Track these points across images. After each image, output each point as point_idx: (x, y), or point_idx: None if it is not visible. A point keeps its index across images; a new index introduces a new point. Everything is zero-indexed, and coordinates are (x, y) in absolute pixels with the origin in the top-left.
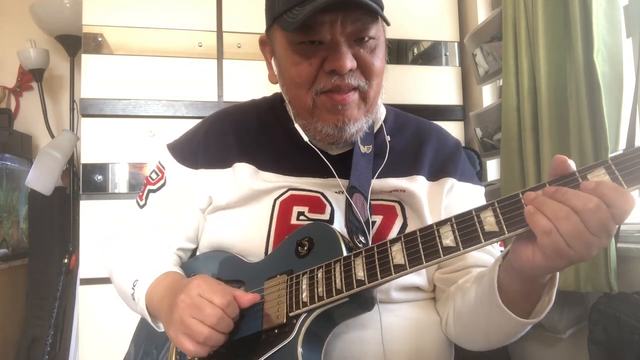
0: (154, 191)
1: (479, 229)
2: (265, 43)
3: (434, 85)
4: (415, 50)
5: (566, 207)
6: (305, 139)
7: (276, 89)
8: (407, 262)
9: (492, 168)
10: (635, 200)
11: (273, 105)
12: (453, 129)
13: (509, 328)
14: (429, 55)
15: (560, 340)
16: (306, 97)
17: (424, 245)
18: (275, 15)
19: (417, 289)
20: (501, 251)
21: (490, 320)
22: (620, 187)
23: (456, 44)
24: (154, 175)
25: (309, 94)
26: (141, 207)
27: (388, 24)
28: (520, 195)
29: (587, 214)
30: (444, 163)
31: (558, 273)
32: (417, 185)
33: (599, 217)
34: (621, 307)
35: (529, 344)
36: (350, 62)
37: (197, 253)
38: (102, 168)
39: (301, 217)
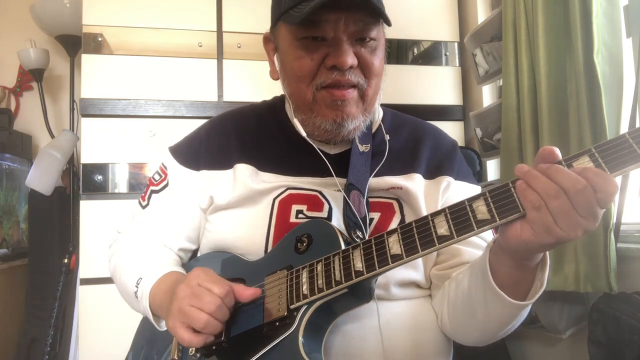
0: (156, 192)
1: (471, 218)
2: (269, 40)
3: (434, 85)
4: (415, 50)
5: (556, 186)
6: (303, 134)
7: (276, 88)
8: (403, 252)
9: (492, 168)
10: (617, 185)
11: (273, 107)
12: (453, 129)
13: (502, 312)
14: (429, 55)
15: (560, 340)
16: (307, 91)
17: (419, 235)
18: (281, 12)
19: (416, 285)
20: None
21: (483, 306)
22: (603, 172)
23: (456, 44)
24: (156, 177)
25: (310, 88)
26: (143, 207)
27: (389, 25)
28: (510, 185)
29: (574, 195)
30: (441, 162)
31: (548, 258)
32: (414, 183)
33: (586, 199)
34: (621, 307)
35: (529, 344)
36: (351, 59)
37: (198, 254)
38: (102, 168)
39: (300, 216)
